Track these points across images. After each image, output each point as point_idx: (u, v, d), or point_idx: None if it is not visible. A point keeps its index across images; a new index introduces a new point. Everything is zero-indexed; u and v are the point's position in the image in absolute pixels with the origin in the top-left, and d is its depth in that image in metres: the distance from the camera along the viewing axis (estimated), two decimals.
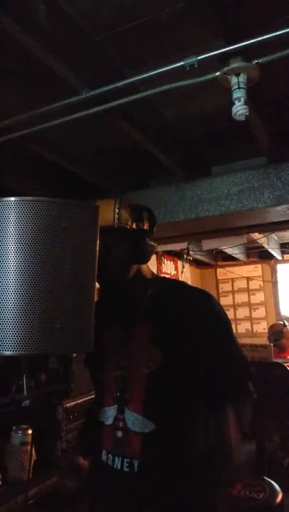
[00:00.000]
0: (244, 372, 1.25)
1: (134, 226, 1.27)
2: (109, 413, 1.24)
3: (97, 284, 1.35)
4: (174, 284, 1.45)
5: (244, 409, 1.24)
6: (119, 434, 1.21)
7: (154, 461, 1.17)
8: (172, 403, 1.20)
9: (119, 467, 1.19)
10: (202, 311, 1.23)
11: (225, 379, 1.21)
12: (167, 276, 5.45)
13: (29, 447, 1.85)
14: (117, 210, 1.24)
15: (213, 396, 1.21)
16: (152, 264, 5.24)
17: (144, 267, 1.33)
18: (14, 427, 1.96)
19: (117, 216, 1.24)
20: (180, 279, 5.48)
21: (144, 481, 1.16)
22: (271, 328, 4.91)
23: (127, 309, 1.32)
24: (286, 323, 4.79)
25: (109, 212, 1.24)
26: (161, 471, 1.16)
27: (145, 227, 1.30)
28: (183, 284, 1.40)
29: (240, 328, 6.54)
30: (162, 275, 5.35)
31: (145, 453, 1.17)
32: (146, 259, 1.29)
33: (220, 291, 6.86)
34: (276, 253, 5.86)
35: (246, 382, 1.25)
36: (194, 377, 1.19)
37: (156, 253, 5.31)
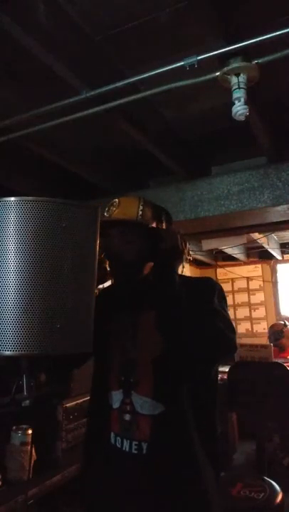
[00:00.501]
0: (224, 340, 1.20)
1: (154, 225, 1.32)
2: (116, 397, 1.26)
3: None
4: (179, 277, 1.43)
5: None
6: (127, 417, 1.23)
7: (163, 442, 1.19)
8: (179, 384, 1.22)
9: (127, 449, 1.21)
10: (201, 287, 1.27)
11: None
12: None
13: (29, 447, 1.85)
14: (141, 207, 1.30)
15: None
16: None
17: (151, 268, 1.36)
18: (14, 427, 1.95)
19: (140, 213, 1.29)
20: None
21: (152, 463, 1.18)
22: (271, 327, 4.90)
23: (134, 299, 1.34)
24: (286, 322, 4.79)
25: (133, 209, 1.30)
26: (170, 453, 1.18)
27: (163, 227, 1.35)
28: (189, 277, 1.40)
29: (240, 328, 6.54)
30: None
31: (154, 435, 1.19)
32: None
33: None
34: (276, 253, 5.86)
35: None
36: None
37: None
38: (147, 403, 1.21)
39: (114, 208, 1.30)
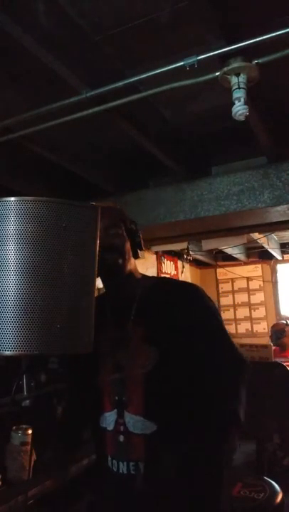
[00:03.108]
0: (238, 365, 1.27)
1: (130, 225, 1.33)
2: (110, 419, 1.23)
3: (100, 285, 1.36)
4: (162, 282, 1.49)
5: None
6: (121, 438, 1.19)
7: (159, 461, 1.16)
8: (172, 402, 1.19)
9: (125, 471, 1.18)
10: (190, 305, 1.25)
11: (219, 375, 1.21)
12: (167, 276, 5.45)
13: (29, 447, 1.85)
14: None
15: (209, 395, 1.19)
16: (152, 264, 5.24)
17: (134, 266, 1.34)
18: (14, 427, 1.95)
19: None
20: (180, 279, 5.48)
21: (150, 482, 1.15)
22: (273, 327, 4.91)
23: (119, 310, 1.31)
24: (288, 322, 4.80)
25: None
26: (167, 471, 1.15)
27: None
28: (170, 280, 1.42)
29: (240, 328, 6.55)
30: (162, 275, 5.35)
31: (149, 454, 1.16)
32: (138, 254, 1.34)
33: (220, 291, 6.87)
34: (276, 253, 5.86)
35: (241, 376, 1.27)
36: (190, 374, 1.19)
37: (156, 253, 5.32)
38: (139, 422, 1.17)
39: None
